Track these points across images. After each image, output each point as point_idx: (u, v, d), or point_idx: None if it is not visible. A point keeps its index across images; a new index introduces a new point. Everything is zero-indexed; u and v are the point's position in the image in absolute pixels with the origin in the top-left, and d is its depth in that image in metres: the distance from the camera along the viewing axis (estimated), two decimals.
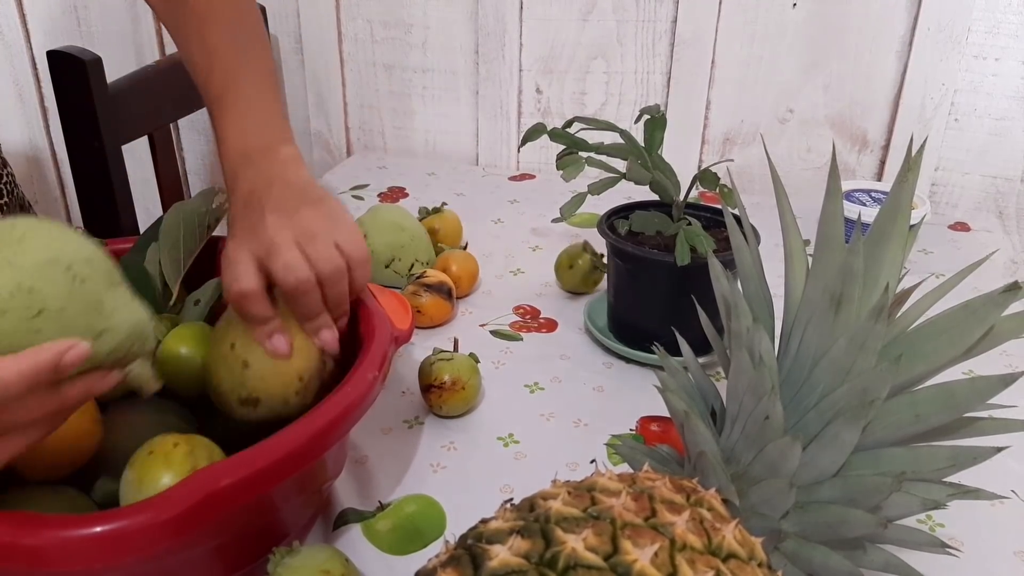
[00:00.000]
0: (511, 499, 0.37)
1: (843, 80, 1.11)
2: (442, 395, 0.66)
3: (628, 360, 0.75)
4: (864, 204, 0.92)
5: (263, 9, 1.25)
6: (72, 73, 0.92)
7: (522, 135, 0.75)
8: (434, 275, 0.80)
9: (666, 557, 0.32)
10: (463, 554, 0.33)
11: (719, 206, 0.73)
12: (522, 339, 0.79)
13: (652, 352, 0.71)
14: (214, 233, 0.66)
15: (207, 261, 0.65)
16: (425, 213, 0.95)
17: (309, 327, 0.53)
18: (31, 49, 1.39)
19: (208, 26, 0.63)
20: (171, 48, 1.36)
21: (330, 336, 0.54)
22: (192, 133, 1.43)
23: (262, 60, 0.64)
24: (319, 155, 1.38)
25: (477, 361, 0.68)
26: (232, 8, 0.65)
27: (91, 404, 0.50)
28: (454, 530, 0.55)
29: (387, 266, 0.86)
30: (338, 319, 0.55)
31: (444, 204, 0.96)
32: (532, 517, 0.34)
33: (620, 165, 0.71)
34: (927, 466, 0.42)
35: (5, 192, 0.79)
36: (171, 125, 1.17)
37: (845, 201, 0.91)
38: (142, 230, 0.65)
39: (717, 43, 1.13)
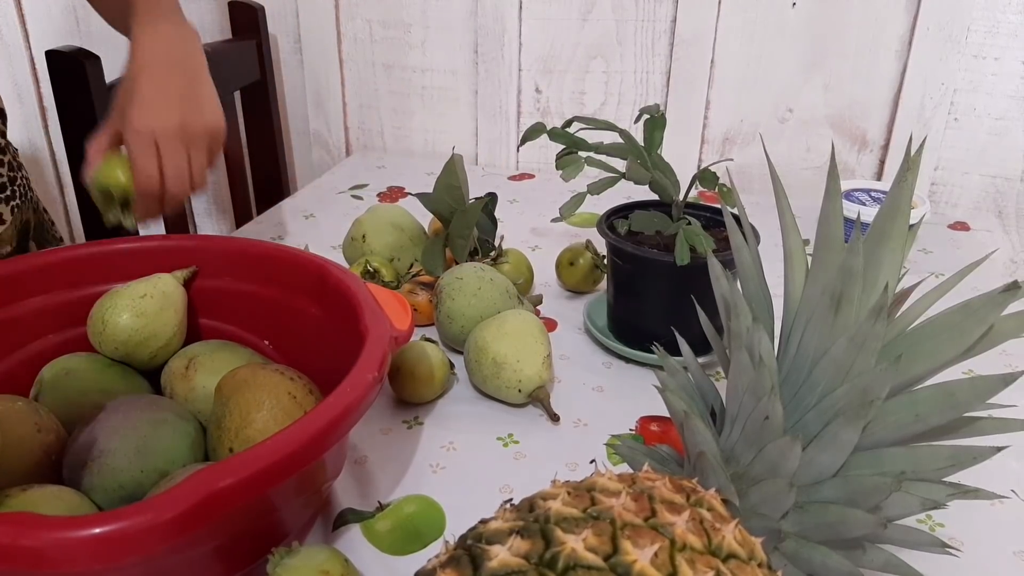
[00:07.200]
0: (511, 499, 0.37)
1: (842, 80, 1.11)
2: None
3: (628, 360, 0.75)
4: (864, 204, 0.92)
5: (262, 9, 1.25)
6: (71, 73, 0.92)
7: (521, 135, 0.75)
8: None
9: (666, 557, 0.32)
10: (463, 554, 0.32)
11: (718, 206, 0.73)
12: None
13: (652, 352, 0.71)
14: None
15: None
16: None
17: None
18: (30, 49, 1.39)
19: None
20: None
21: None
22: None
23: None
24: (318, 155, 1.38)
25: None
26: None
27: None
28: (453, 530, 0.55)
29: None
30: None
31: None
32: (532, 517, 0.34)
33: (619, 165, 0.71)
34: (927, 466, 0.42)
35: (19, 194, 0.80)
36: None
37: (845, 201, 0.91)
38: (140, 231, 0.66)
39: (717, 43, 1.13)
